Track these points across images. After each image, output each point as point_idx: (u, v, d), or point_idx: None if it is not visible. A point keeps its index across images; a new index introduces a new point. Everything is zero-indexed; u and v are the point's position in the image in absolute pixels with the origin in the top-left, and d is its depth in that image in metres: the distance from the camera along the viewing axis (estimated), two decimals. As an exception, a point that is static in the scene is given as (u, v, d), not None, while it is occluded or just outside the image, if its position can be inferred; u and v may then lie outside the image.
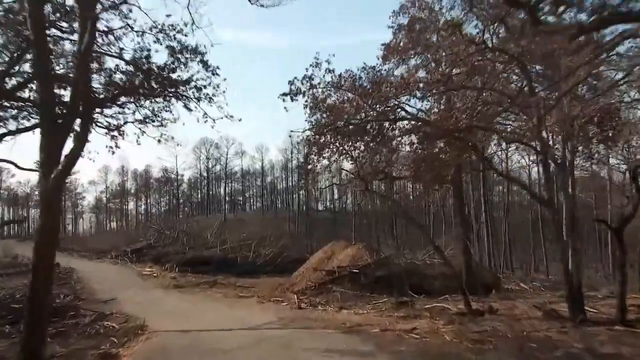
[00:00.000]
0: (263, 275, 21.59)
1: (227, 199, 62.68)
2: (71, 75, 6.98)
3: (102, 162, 63.45)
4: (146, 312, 10.58)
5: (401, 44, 13.32)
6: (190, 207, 67.16)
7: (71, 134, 6.25)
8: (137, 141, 9.25)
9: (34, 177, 56.27)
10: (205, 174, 61.73)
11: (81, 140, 5.71)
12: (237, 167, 62.35)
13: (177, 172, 60.08)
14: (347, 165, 13.48)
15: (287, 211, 54.83)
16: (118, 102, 8.38)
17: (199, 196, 67.06)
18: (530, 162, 37.95)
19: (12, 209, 62.22)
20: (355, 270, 14.72)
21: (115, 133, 9.06)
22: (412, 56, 13.00)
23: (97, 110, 8.64)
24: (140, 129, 9.17)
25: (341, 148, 10.45)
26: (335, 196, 58.77)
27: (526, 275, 29.28)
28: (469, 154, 9.99)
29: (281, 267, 22.75)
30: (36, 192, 62.92)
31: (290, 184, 57.03)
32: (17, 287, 15.37)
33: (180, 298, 14.20)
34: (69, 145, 5.73)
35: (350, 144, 10.52)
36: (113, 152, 9.19)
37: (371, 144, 10.48)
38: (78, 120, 6.13)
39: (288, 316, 10.23)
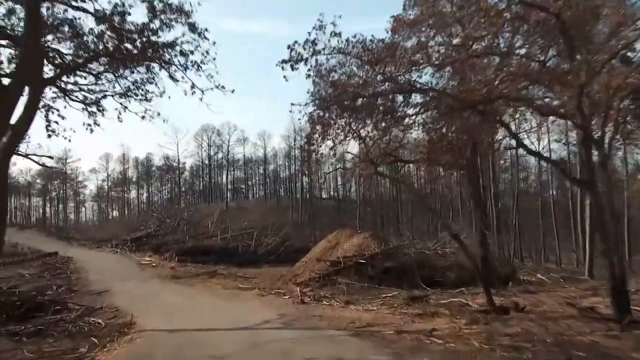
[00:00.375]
0: (265, 265, 21.07)
1: (229, 187, 61.80)
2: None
3: (104, 150, 62.73)
4: (138, 306, 10.05)
5: (412, 14, 12.02)
6: (192, 196, 66.49)
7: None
8: (118, 118, 8.25)
9: (34, 165, 55.54)
10: (207, 162, 60.79)
11: (30, 109, 4.65)
12: (239, 155, 61.31)
13: (178, 160, 59.25)
14: (353, 149, 12.49)
15: (290, 199, 53.86)
16: (93, 72, 7.28)
17: (201, 184, 66.23)
18: (542, 148, 36.61)
19: (13, 197, 61.72)
20: (361, 261, 13.82)
21: (94, 108, 8.00)
22: (425, 28, 11.73)
23: (71, 81, 7.58)
24: (121, 104, 8.15)
25: (347, 127, 9.40)
26: (339, 184, 57.73)
27: (537, 265, 28.29)
28: (496, 130, 8.83)
29: (283, 256, 22.20)
30: (37, 180, 62.58)
31: (294, 171, 55.89)
32: (10, 277, 14.79)
33: (176, 290, 13.55)
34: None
35: (358, 122, 9.47)
36: (92, 130, 8.16)
37: (381, 123, 9.42)
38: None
39: (290, 313, 9.33)
